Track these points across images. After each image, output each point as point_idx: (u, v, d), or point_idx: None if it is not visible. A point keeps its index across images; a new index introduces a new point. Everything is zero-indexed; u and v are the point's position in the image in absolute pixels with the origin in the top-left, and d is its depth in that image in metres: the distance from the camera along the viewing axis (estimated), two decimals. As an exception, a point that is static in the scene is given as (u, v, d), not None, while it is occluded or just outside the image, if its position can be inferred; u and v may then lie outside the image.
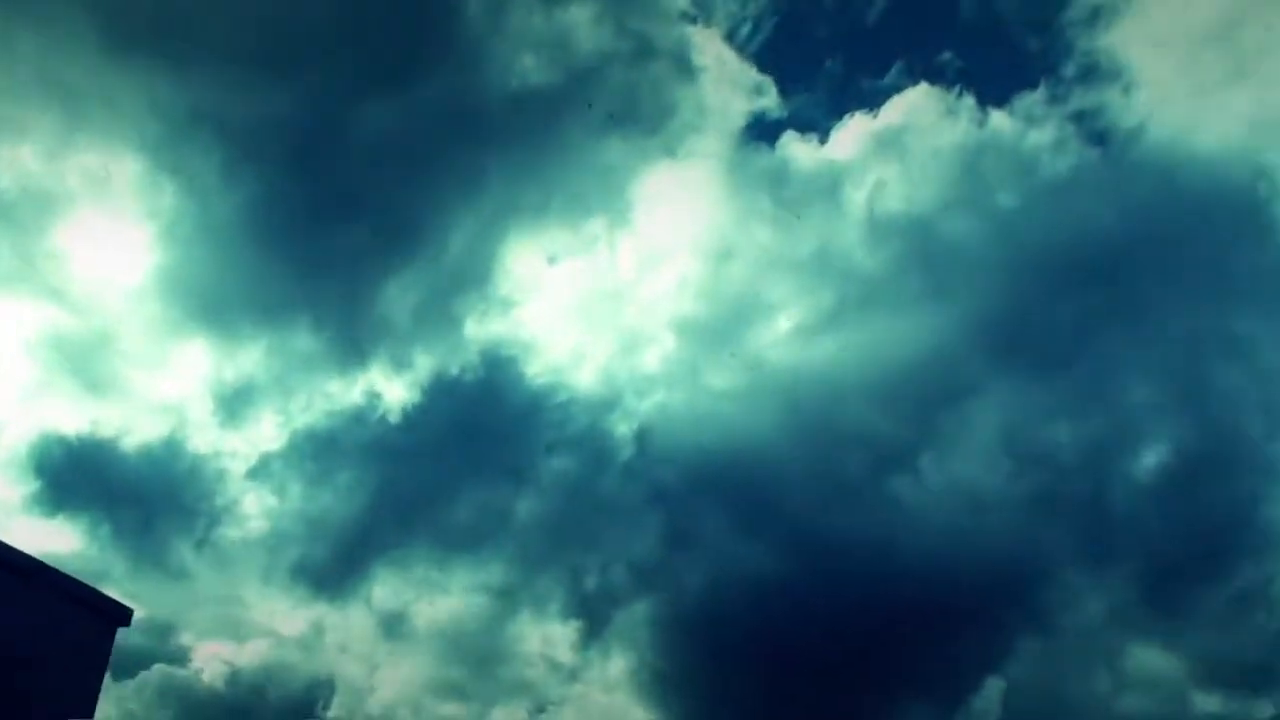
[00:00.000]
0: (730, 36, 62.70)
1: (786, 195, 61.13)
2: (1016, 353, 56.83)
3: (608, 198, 62.43)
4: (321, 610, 51.80)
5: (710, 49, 63.02)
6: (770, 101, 63.25)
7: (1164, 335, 56.36)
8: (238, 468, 54.28)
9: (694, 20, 62.67)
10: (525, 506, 54.42)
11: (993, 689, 54.85)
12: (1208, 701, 56.20)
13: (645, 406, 57.67)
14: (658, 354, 60.25)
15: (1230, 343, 54.63)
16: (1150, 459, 54.99)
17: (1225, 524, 53.40)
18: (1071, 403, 55.87)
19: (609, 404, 60.96)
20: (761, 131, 61.37)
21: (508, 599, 56.91)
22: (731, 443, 53.43)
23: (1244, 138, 56.67)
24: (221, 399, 55.32)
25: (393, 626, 53.29)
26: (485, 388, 55.82)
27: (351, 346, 56.69)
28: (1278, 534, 54.81)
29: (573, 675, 59.04)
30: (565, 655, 62.51)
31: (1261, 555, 55.96)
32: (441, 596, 57.46)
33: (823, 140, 60.85)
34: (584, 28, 58.91)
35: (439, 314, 58.02)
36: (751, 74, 63.07)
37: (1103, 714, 53.85)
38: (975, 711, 52.71)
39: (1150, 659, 57.97)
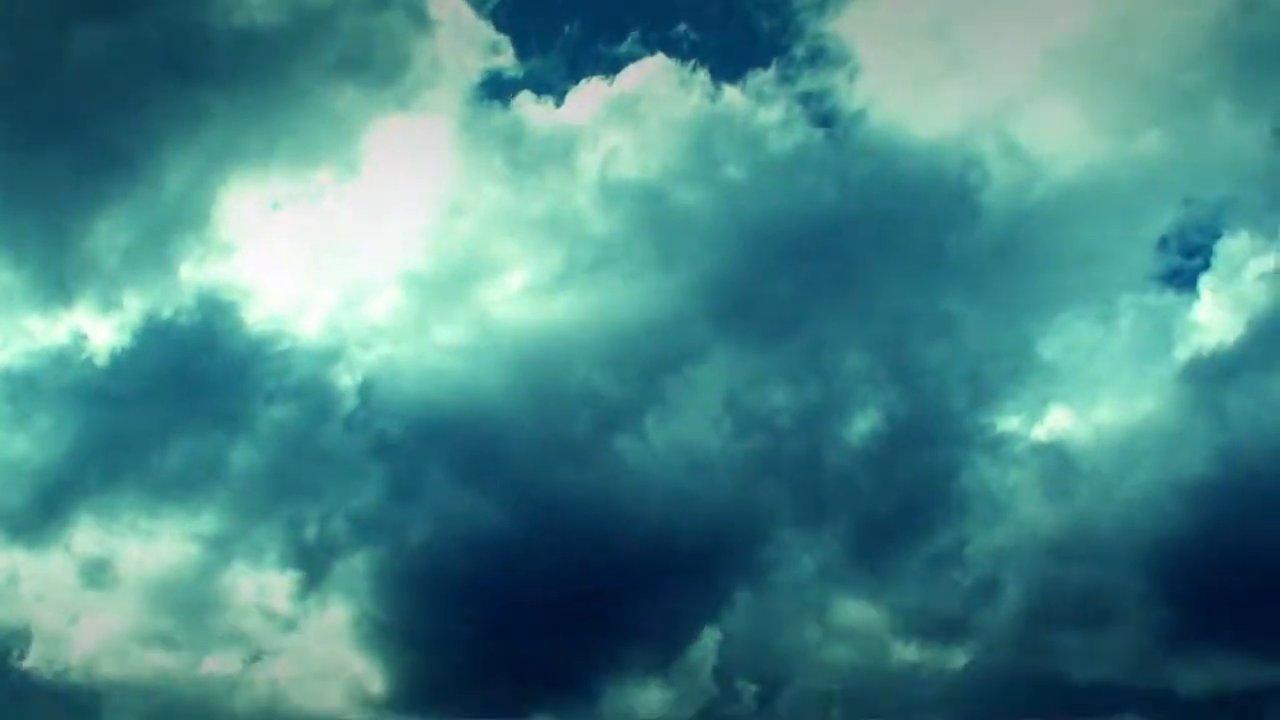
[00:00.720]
0: (469, -8, 61.88)
1: (520, 155, 60.88)
2: (739, 320, 58.37)
3: (337, 147, 60.15)
4: (17, 558, 48.37)
5: (448, 3, 62.07)
6: (507, 61, 62.48)
7: (878, 310, 59.09)
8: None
9: (433, -28, 61.55)
10: (242, 455, 52.21)
11: (710, 639, 56.49)
12: (906, 651, 59.56)
13: (370, 359, 56.26)
14: (384, 306, 58.72)
15: (938, 320, 57.89)
16: (862, 425, 57.62)
17: (927, 489, 56.55)
18: (790, 369, 57.87)
19: (332, 354, 59.05)
20: (497, 90, 60.80)
21: (221, 548, 54.44)
22: (458, 398, 52.88)
23: (957, 128, 59.95)
24: (-96, 332, 51.49)
25: (96, 575, 50.50)
26: (201, 333, 53.06)
27: (56, 284, 52.65)
28: (972, 501, 58.62)
29: (290, 625, 56.94)
30: (282, 605, 60.36)
31: (958, 519, 59.32)
32: (151, 545, 54.69)
33: (558, 103, 60.62)
34: (318, -31, 57.30)
35: (152, 255, 54.62)
36: (488, 32, 62.24)
37: (812, 662, 56.36)
38: (693, 660, 54.23)
39: (855, 612, 60.84)
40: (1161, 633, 49.55)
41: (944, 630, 56.12)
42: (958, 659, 56.31)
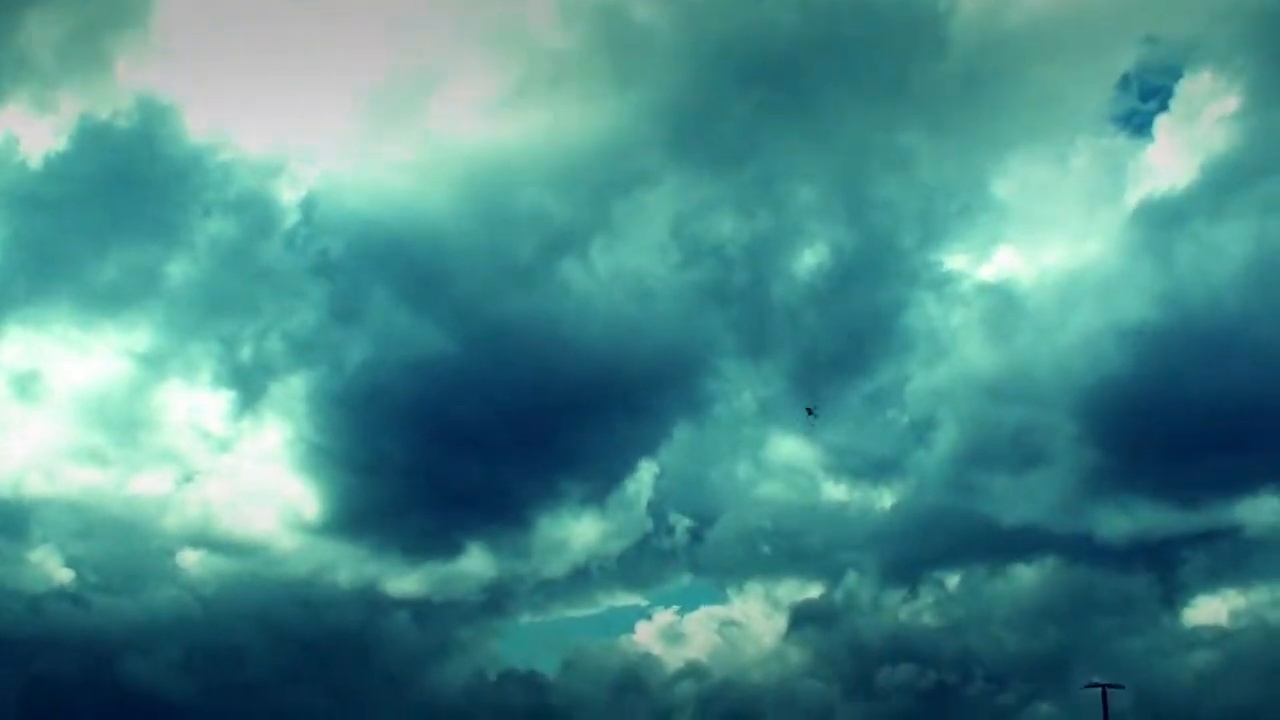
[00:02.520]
0: None
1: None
2: (692, 146, 57.15)
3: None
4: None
5: None
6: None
7: (834, 141, 57.97)
8: None
9: None
10: (178, 269, 51.26)
11: (646, 473, 57.01)
12: (836, 490, 60.86)
13: (313, 173, 54.67)
14: (330, 120, 57.00)
15: (894, 153, 56.74)
16: (810, 259, 57.24)
17: (871, 326, 56.64)
18: (740, 199, 56.97)
19: (274, 168, 57.65)
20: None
21: (155, 365, 53.78)
22: (403, 217, 51.50)
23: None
24: None
25: (25, 388, 50.40)
26: (138, 139, 50.94)
27: (-15, 82, 50.91)
28: (917, 338, 58.84)
29: (223, 446, 56.84)
30: (216, 425, 60.26)
31: (900, 357, 59.60)
32: (82, 358, 53.93)
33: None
34: None
35: (88, 53, 52.44)
36: None
37: (744, 499, 57.37)
38: (629, 494, 54.95)
39: (789, 449, 61.65)
40: (1088, 477, 50.61)
41: (874, 470, 56.81)
42: (885, 499, 57.62)
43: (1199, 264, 50.44)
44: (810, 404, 54.33)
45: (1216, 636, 49.49)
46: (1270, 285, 46.88)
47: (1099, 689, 25.77)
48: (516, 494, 51.30)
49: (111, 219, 50.00)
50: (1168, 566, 49.82)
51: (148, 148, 50.75)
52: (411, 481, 48.39)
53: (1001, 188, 64.02)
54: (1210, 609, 60.20)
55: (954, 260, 70.77)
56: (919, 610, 51.70)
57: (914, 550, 52.60)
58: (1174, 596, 50.06)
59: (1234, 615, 53.13)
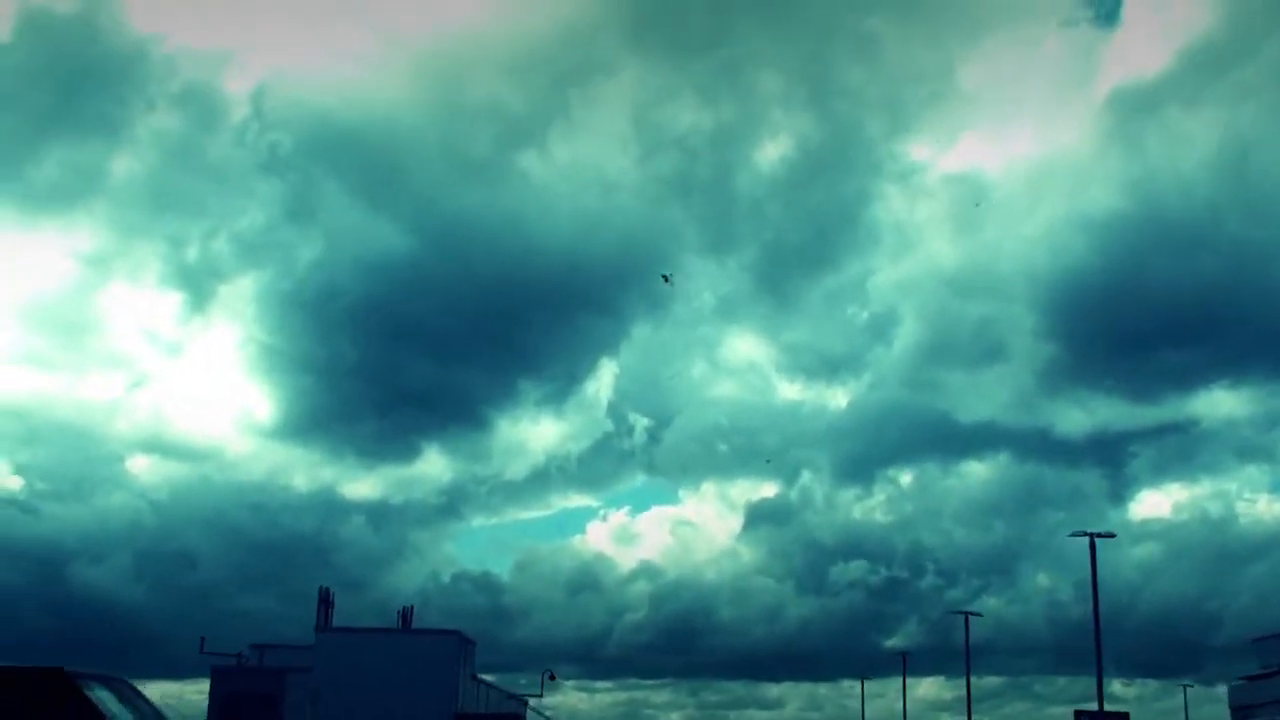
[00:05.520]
0: None
1: None
2: (652, 32, 55.72)
3: None
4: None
5: None
6: None
7: (799, 26, 56.52)
8: None
9: None
10: (122, 166, 49.28)
11: (607, 372, 56.49)
12: (790, 390, 60.72)
13: (263, 64, 53.06)
14: (281, 9, 55.26)
15: (860, 39, 55.31)
16: (773, 150, 56.25)
17: (836, 219, 55.76)
18: (703, 88, 55.68)
19: (222, 58, 55.95)
20: None
21: (100, 266, 52.38)
22: (357, 109, 49.85)
23: None
24: None
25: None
26: (80, 21, 48.27)
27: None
28: (882, 231, 58.08)
29: (173, 349, 55.73)
30: (165, 328, 58.95)
31: (864, 250, 59.15)
32: (24, 259, 52.62)
33: None
34: None
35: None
36: None
37: (699, 399, 57.11)
38: (589, 394, 54.38)
39: (745, 348, 61.28)
40: (1046, 372, 50.28)
41: (829, 369, 56.70)
42: (840, 398, 57.57)
43: (1169, 152, 49.23)
44: (773, 300, 54.22)
45: (1161, 529, 50.64)
46: (1241, 175, 46.19)
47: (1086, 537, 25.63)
48: (474, 395, 50.81)
49: (52, 114, 47.67)
50: (1118, 461, 50.38)
51: (89, 39, 48.53)
52: (367, 383, 47.57)
53: (969, 75, 63.53)
54: (1155, 502, 61.88)
55: (920, 151, 70.77)
56: (872, 507, 52.41)
57: (869, 448, 52.95)
58: (1122, 491, 51.26)
59: (1177, 508, 55.04)
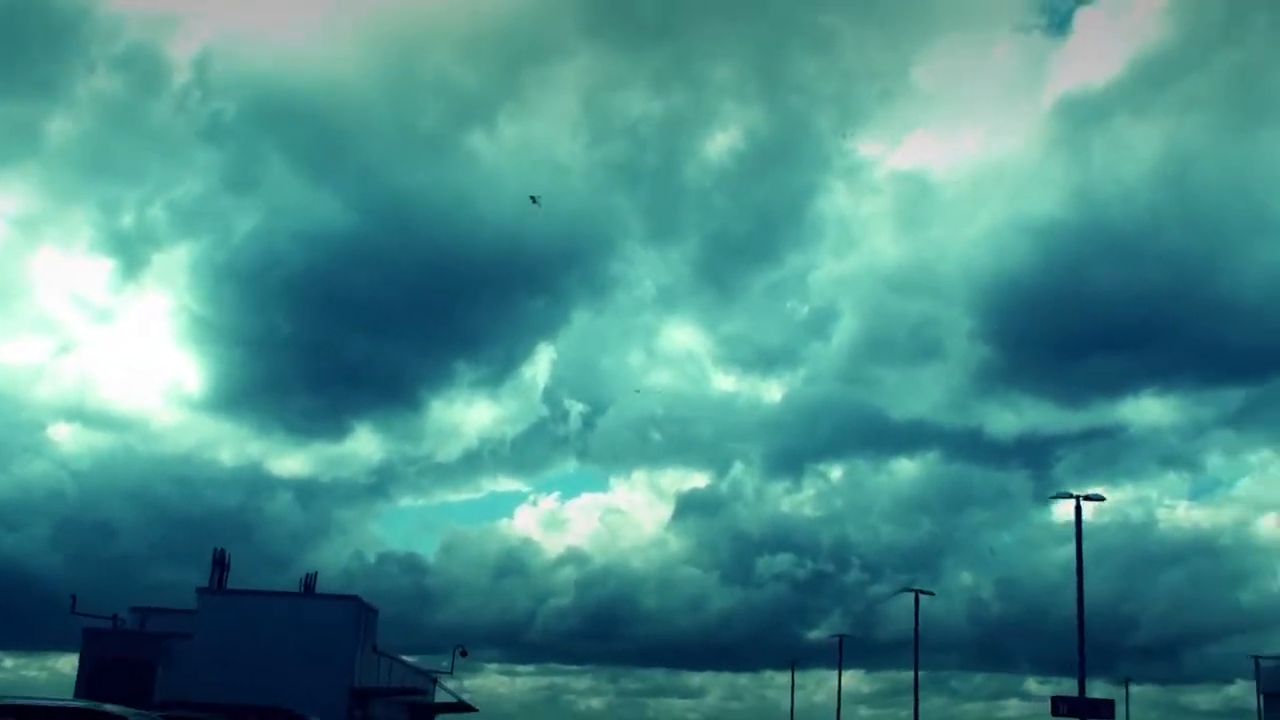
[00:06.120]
0: None
1: None
2: (607, 18, 55.10)
3: None
4: None
5: None
6: None
7: (754, 18, 56.13)
8: None
9: None
10: (58, 128, 48.18)
11: (544, 357, 55.39)
12: (725, 381, 60.02)
13: (208, 28, 51.43)
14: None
15: (816, 34, 55.16)
16: (722, 141, 55.55)
17: (781, 212, 55.24)
18: (655, 75, 55.11)
19: (167, 21, 54.50)
20: None
21: (30, 228, 51.17)
22: (304, 79, 48.28)
23: None
24: None
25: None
26: None
27: None
28: (826, 225, 57.58)
29: (103, 316, 54.46)
30: (96, 295, 57.52)
31: (808, 244, 58.74)
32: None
33: None
34: None
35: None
36: None
37: (635, 387, 55.98)
38: (525, 378, 53.16)
39: (682, 339, 60.74)
40: (980, 373, 50.75)
41: (765, 362, 56.64)
42: (774, 392, 57.14)
43: (1114, 160, 49.76)
44: (714, 292, 53.16)
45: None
46: (1182, 186, 46.55)
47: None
48: (409, 374, 49.98)
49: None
50: (1044, 464, 50.92)
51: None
52: (301, 358, 46.67)
53: (923, 75, 62.97)
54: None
55: (868, 147, 70.37)
56: (801, 501, 53.08)
57: (801, 442, 52.96)
58: (1046, 493, 50.65)
59: (1099, 511, 54.82)
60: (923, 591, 30.29)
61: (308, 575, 25.76)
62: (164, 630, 22.72)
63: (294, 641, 22.63)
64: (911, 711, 29.17)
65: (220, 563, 24.36)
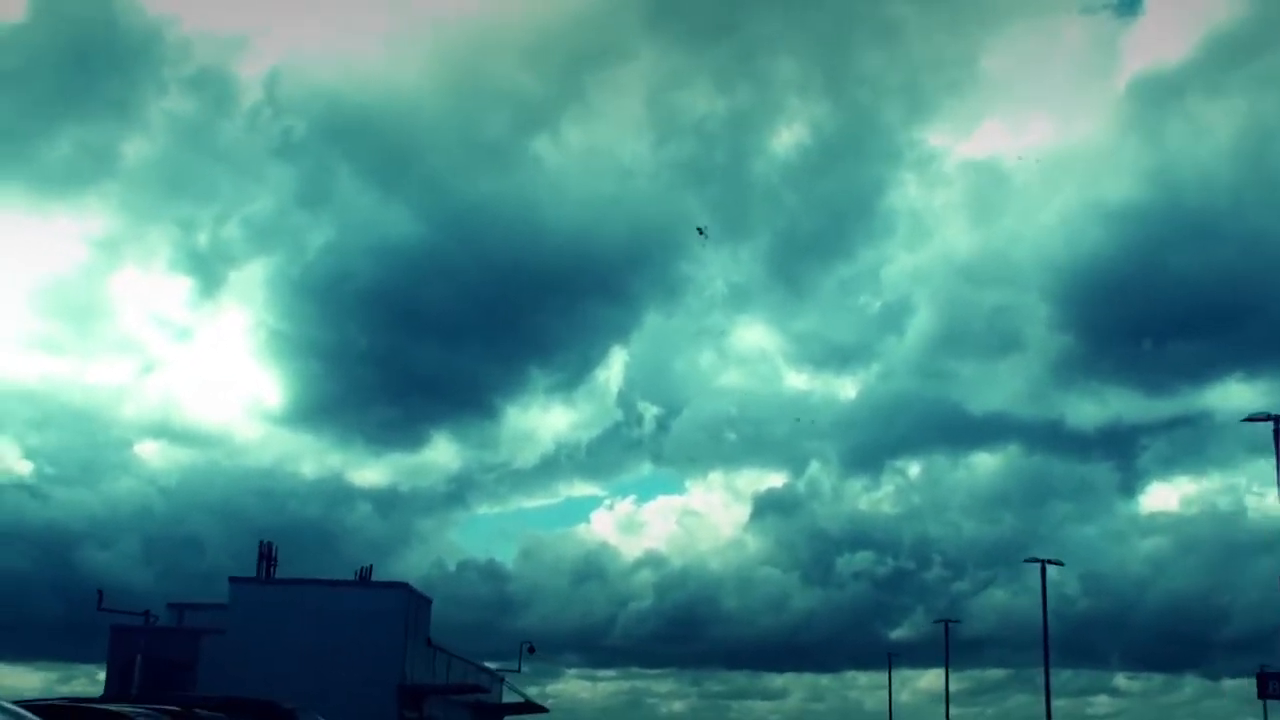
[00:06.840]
0: None
1: None
2: (669, 16, 53.71)
3: None
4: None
5: None
6: None
7: (817, 11, 54.64)
8: None
9: None
10: (134, 149, 48.37)
11: (618, 361, 53.91)
12: (798, 380, 57.76)
13: (277, 47, 51.32)
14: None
15: (881, 25, 53.47)
16: (789, 137, 53.83)
17: (851, 207, 53.19)
18: (719, 73, 53.72)
19: (236, 41, 54.55)
20: None
21: (111, 250, 51.43)
22: (371, 94, 47.97)
23: None
24: None
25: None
26: (95, 2, 47.88)
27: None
28: (897, 218, 55.33)
29: (183, 334, 54.76)
30: (175, 312, 57.83)
31: (879, 238, 56.48)
32: (34, 241, 51.57)
33: None
34: None
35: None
36: None
37: (708, 389, 54.14)
38: (599, 382, 51.77)
39: (754, 338, 58.71)
40: (1060, 363, 48.46)
41: (838, 359, 54.65)
42: (849, 389, 54.75)
43: (1189, 142, 47.45)
44: (785, 289, 51.54)
45: (1169, 523, 50.30)
46: (1261, 165, 44.60)
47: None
48: (484, 382, 49.26)
49: (64, 95, 46.67)
50: (1129, 454, 49.09)
51: (104, 20, 47.20)
52: (377, 369, 46.17)
53: (992, 62, 60.84)
54: (1164, 496, 60.74)
55: (939, 138, 67.96)
56: (880, 499, 51.33)
57: (878, 439, 51.25)
58: (1132, 483, 50.46)
59: (1186, 502, 54.45)
60: (1051, 561, 27.50)
61: (361, 569, 24.19)
62: (202, 626, 21.39)
63: (335, 634, 21.00)
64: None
65: (266, 556, 22.97)
